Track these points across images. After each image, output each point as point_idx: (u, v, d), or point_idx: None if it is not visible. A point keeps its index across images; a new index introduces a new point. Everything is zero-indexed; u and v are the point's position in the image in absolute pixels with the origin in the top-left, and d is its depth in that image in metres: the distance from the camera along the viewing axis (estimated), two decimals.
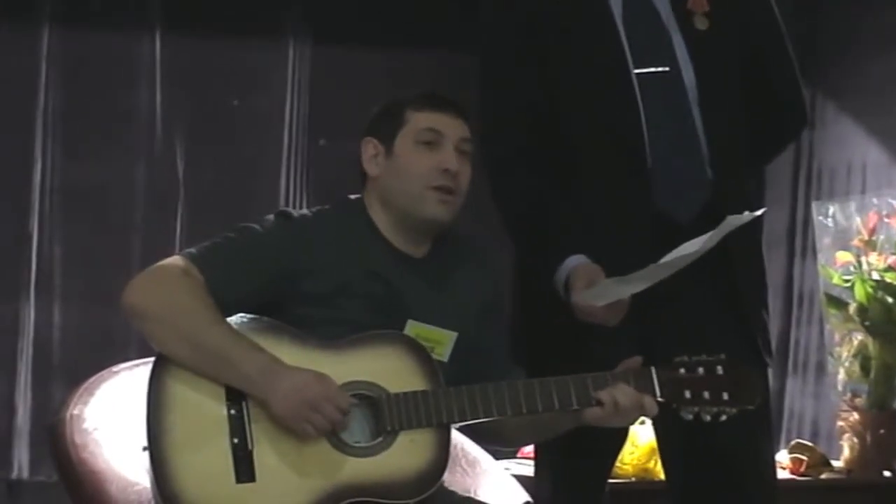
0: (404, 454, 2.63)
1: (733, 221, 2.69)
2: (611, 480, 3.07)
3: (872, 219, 4.56)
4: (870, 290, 4.48)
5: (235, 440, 2.60)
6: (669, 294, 2.78)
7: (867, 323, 4.49)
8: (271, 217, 2.77)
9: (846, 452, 4.55)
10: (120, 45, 5.41)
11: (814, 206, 4.80)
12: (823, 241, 4.66)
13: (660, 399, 2.69)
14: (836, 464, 4.57)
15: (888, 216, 4.56)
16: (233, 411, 2.61)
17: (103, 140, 5.36)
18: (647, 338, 2.83)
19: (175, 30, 5.43)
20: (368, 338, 2.68)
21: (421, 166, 2.76)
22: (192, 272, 2.67)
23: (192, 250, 2.71)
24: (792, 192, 5.48)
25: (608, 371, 2.70)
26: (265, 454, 2.60)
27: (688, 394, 2.70)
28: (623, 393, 2.67)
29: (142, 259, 5.11)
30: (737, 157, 2.95)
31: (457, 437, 3.00)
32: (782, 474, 4.22)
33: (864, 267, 4.51)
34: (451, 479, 2.98)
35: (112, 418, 2.93)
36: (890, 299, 4.47)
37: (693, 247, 2.69)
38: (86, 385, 3.00)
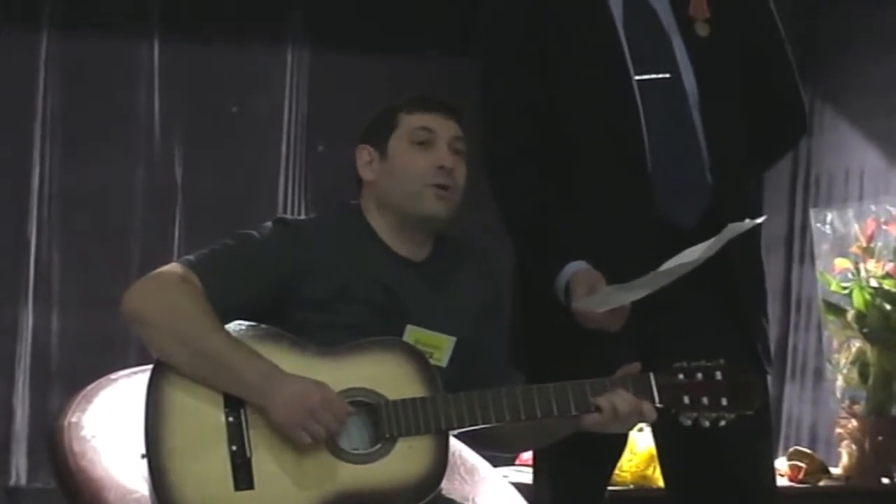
0: (403, 461, 2.62)
1: (734, 229, 2.69)
2: (609, 488, 3.06)
3: (870, 226, 4.56)
4: (868, 296, 4.48)
5: (234, 447, 2.59)
6: (670, 301, 2.77)
7: (865, 330, 4.49)
8: (269, 224, 2.77)
9: (844, 459, 4.55)
10: (119, 49, 5.41)
11: (811, 213, 4.80)
12: (822, 248, 4.66)
13: (658, 405, 2.68)
14: (835, 471, 4.56)
15: (886, 223, 4.56)
16: (231, 418, 2.61)
17: (102, 145, 5.36)
18: (647, 341, 2.83)
19: (174, 34, 5.44)
20: (367, 344, 2.68)
21: (417, 165, 2.76)
22: (190, 279, 2.66)
23: (191, 257, 2.71)
24: (790, 199, 5.48)
25: (607, 373, 2.69)
26: (263, 461, 2.59)
27: (686, 399, 2.69)
28: (622, 399, 2.66)
29: (140, 264, 5.11)
30: (737, 162, 2.95)
31: (455, 445, 3.00)
32: (780, 481, 4.20)
33: (863, 274, 4.51)
34: (450, 487, 2.97)
35: (110, 426, 2.93)
36: (888, 306, 4.47)
37: (693, 254, 2.69)
38: (84, 392, 3.00)
